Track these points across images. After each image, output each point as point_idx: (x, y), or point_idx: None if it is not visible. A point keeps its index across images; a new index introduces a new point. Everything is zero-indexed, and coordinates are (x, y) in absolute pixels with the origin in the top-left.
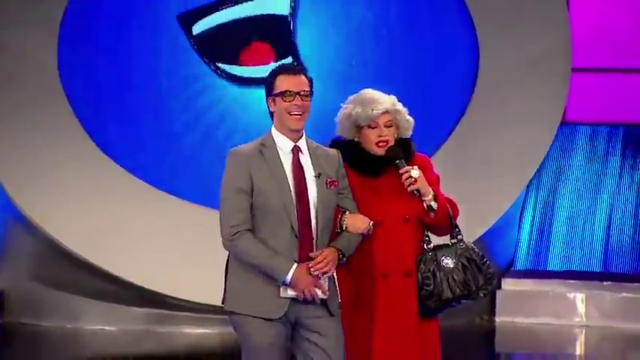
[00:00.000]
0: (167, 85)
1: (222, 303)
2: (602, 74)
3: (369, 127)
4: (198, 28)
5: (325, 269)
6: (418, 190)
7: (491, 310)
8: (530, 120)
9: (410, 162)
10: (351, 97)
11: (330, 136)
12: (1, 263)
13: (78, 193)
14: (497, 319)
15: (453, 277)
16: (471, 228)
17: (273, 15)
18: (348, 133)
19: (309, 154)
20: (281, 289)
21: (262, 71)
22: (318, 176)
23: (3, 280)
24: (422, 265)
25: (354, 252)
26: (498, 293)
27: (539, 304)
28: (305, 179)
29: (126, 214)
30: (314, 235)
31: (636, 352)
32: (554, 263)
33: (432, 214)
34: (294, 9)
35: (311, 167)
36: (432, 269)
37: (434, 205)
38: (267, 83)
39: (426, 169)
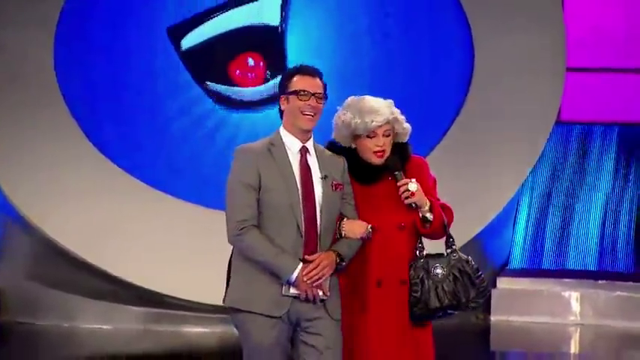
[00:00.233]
0: (163, 85)
1: (224, 301)
2: (596, 74)
3: (368, 136)
4: (187, 42)
5: (318, 276)
6: (415, 203)
7: (487, 308)
8: (525, 119)
9: (406, 165)
10: (348, 101)
11: (320, 140)
12: None
13: (75, 192)
14: (493, 318)
15: (442, 287)
16: (466, 227)
17: (264, 25)
18: (344, 141)
19: (316, 156)
20: (283, 287)
21: (252, 93)
22: (324, 178)
23: (0, 280)
24: (412, 272)
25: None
26: (493, 292)
27: (534, 303)
28: (312, 180)
29: (123, 213)
30: (318, 236)
31: (631, 351)
32: (548, 262)
33: (427, 225)
34: (284, 18)
35: (318, 169)
36: (421, 276)
37: (429, 216)
38: (283, 81)
39: (423, 172)
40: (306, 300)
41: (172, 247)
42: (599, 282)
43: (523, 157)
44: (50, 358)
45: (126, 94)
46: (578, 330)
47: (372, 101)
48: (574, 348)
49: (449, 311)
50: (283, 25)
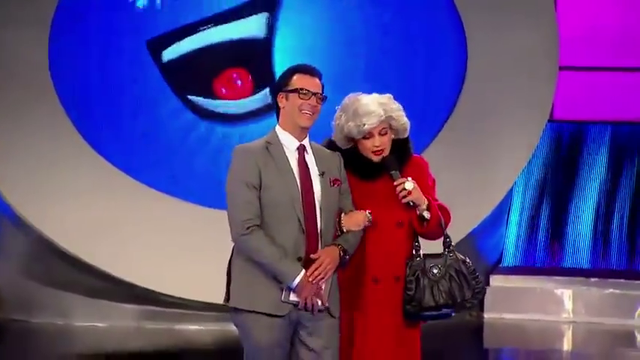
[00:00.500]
0: (157, 84)
1: (226, 300)
2: (589, 72)
3: (364, 137)
4: (167, 54)
5: (322, 275)
6: (412, 202)
7: (480, 306)
8: (517, 118)
9: (406, 164)
10: (345, 102)
11: (317, 140)
12: None
13: (70, 191)
14: (486, 315)
15: (438, 286)
16: (460, 225)
17: (249, 39)
18: (342, 143)
19: (313, 153)
20: (283, 293)
21: (237, 105)
22: (322, 174)
23: None
24: (407, 269)
25: None
26: (487, 290)
27: (527, 301)
28: (310, 177)
29: (119, 212)
30: (319, 232)
31: (623, 348)
32: (541, 260)
33: (424, 224)
34: (270, 28)
35: (315, 166)
36: (416, 274)
37: (426, 215)
38: (282, 79)
39: (422, 172)
40: (305, 309)
41: (167, 245)
42: (592, 279)
43: (516, 154)
44: (45, 356)
45: (121, 94)
46: (571, 327)
47: (364, 102)
48: (567, 345)
49: (443, 311)
50: (269, 36)
